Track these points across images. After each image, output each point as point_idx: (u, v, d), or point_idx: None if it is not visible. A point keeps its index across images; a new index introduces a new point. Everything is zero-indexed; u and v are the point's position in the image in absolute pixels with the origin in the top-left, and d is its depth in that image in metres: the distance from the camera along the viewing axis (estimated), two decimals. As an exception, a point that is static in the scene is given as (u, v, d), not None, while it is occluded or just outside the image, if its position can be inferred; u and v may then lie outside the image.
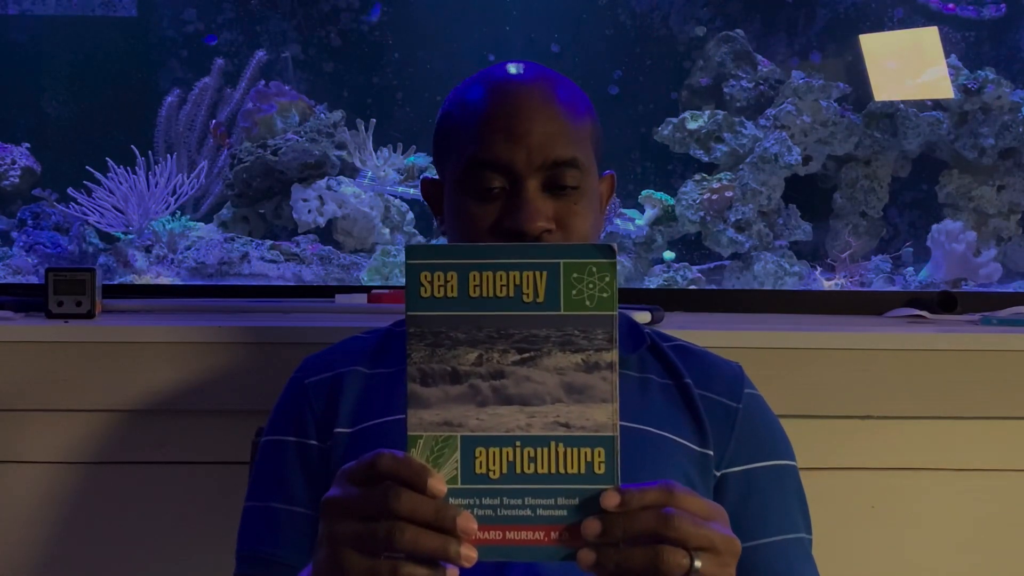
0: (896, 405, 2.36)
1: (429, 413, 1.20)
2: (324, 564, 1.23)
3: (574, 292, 1.19)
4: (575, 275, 1.19)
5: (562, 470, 1.19)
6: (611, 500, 1.19)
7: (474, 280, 1.20)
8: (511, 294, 1.19)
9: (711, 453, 1.68)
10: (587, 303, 1.19)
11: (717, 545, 1.21)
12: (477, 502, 1.20)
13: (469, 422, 1.19)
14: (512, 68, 1.71)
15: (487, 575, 1.21)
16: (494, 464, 1.20)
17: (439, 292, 1.20)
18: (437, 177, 1.79)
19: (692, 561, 1.19)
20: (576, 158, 1.64)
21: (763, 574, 1.64)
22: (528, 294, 1.19)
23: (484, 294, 1.20)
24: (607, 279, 1.19)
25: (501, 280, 1.19)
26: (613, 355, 1.19)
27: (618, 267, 3.28)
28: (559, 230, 1.63)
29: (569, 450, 1.19)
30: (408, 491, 1.17)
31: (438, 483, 1.18)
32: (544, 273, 1.19)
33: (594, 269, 1.19)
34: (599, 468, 1.19)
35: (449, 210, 1.70)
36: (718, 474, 1.68)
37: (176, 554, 2.33)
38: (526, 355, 1.19)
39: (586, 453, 1.19)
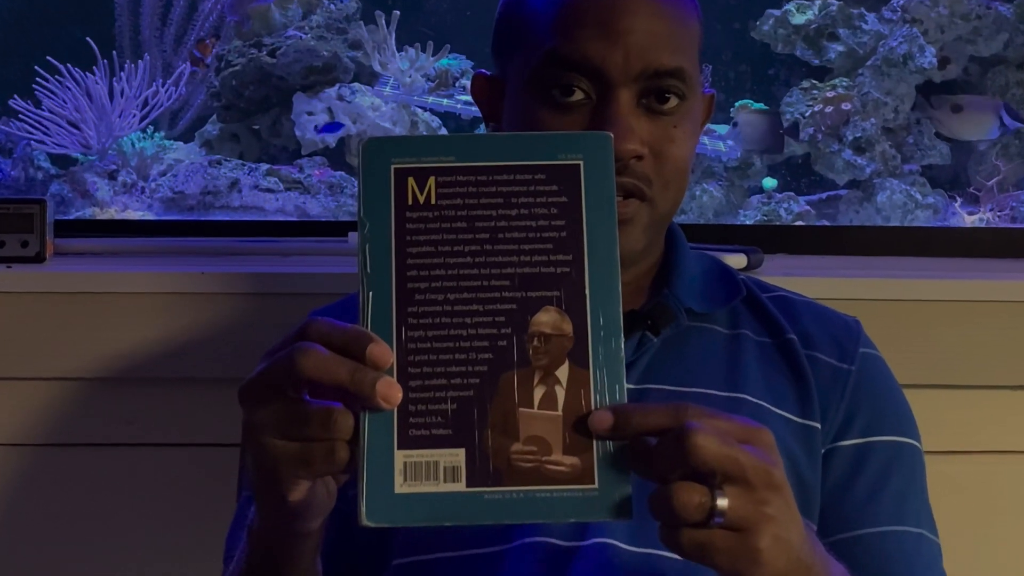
0: (1058, 373, 2.35)
1: None
2: (253, 472, 1.24)
3: None
4: None
5: None
6: (602, 422, 1.18)
7: None
8: None
9: (817, 426, 1.68)
10: None
11: (748, 474, 1.17)
12: None
13: None
14: None
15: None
16: None
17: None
18: (494, 74, 1.76)
19: (715, 500, 1.15)
20: (683, 68, 1.61)
21: (871, 569, 1.61)
22: None
23: None
24: None
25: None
26: None
27: (705, 197, 3.30)
28: (652, 158, 1.60)
29: None
30: (318, 350, 1.17)
31: (381, 349, 1.17)
32: None
33: None
34: None
35: (511, 117, 1.68)
36: (823, 451, 1.68)
37: (150, 558, 2.34)
38: None
39: None
